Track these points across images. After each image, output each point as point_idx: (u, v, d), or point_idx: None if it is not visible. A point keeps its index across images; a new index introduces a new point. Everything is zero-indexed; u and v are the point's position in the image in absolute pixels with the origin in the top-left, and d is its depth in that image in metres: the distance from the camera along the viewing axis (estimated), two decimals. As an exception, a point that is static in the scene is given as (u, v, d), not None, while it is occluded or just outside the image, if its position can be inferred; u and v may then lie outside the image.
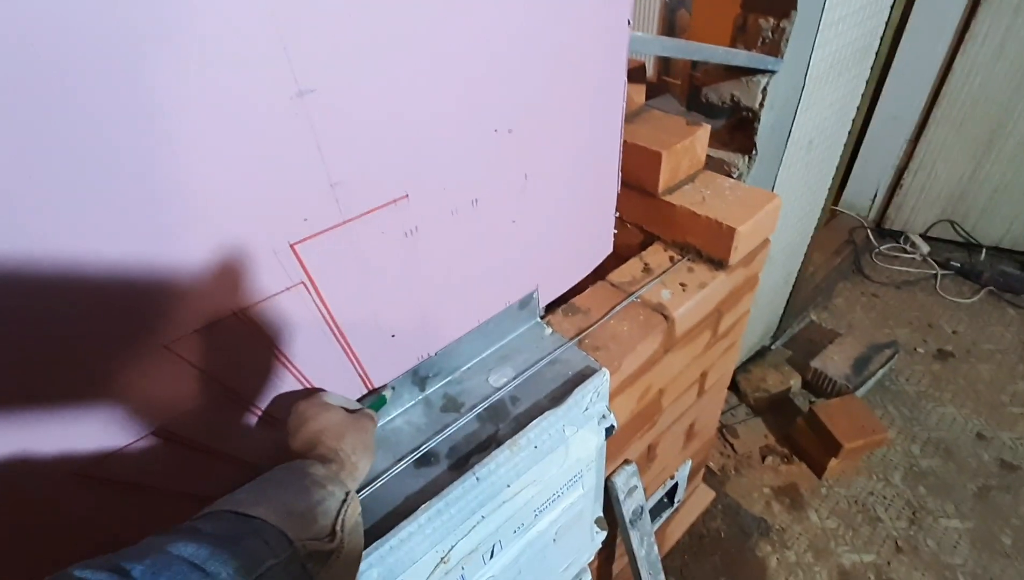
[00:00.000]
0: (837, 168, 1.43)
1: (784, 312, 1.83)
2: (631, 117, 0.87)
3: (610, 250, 0.79)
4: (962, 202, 2.10)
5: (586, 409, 0.64)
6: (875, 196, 2.26)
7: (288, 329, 0.48)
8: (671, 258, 0.83)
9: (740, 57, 0.84)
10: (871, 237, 2.28)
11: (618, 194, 0.74)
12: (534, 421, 0.58)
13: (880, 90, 1.99)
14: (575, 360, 0.67)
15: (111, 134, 0.33)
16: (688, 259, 0.83)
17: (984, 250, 2.14)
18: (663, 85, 1.84)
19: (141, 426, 0.43)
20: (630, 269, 0.82)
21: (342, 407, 0.52)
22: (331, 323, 0.50)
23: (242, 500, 0.38)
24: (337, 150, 0.43)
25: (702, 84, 1.02)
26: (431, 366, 0.64)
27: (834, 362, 1.73)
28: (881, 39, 1.21)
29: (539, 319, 0.74)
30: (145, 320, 0.39)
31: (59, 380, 0.38)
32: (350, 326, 0.53)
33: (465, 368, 0.68)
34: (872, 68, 1.25)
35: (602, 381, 0.64)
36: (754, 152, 1.02)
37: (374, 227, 0.48)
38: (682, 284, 0.78)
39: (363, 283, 0.51)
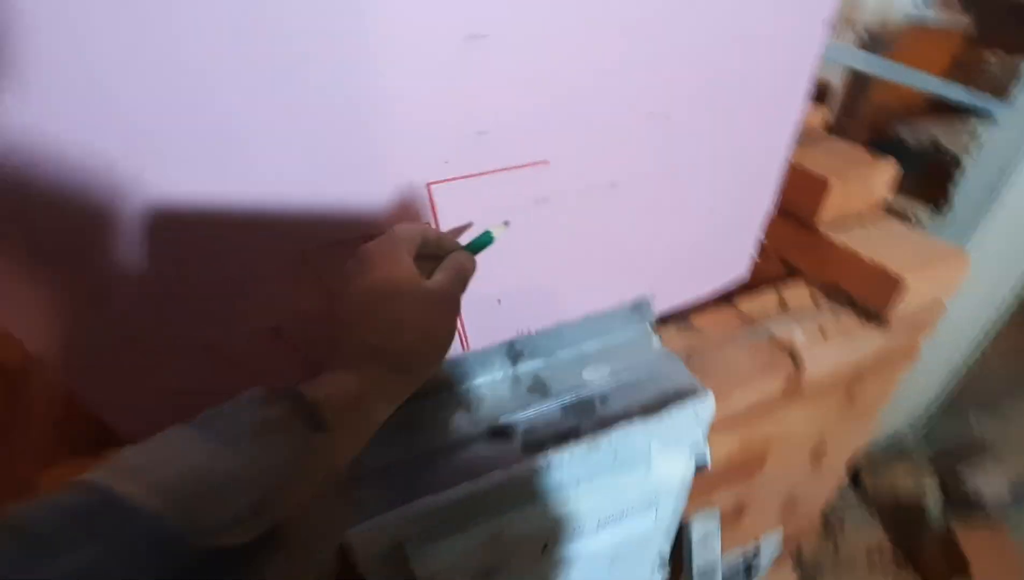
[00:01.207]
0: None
1: (939, 403, 1.55)
2: (801, 139, 0.79)
3: (745, 277, 0.72)
4: None
5: (680, 431, 0.58)
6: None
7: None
8: (814, 299, 0.74)
9: (957, 92, 0.72)
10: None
11: (769, 217, 0.67)
12: (620, 425, 0.55)
13: None
14: (679, 377, 0.61)
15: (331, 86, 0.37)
16: (834, 305, 0.73)
17: None
18: (841, 125, 1.66)
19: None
20: (763, 301, 0.74)
21: (414, 254, 0.37)
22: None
23: (125, 464, 0.25)
24: (491, 99, 0.43)
25: (894, 120, 0.89)
26: (529, 344, 0.63)
27: (989, 479, 1.44)
28: None
29: (649, 328, 0.69)
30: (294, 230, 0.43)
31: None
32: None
33: (561, 355, 0.66)
34: None
35: (704, 406, 0.58)
36: (945, 206, 0.87)
37: (509, 186, 0.48)
38: (822, 329, 0.68)
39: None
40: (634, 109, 0.49)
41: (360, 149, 0.41)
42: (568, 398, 0.60)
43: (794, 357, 0.65)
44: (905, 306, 0.67)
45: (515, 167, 0.48)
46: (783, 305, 0.73)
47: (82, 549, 0.21)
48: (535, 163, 0.48)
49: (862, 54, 0.61)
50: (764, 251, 0.83)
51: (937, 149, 0.84)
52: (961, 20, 0.88)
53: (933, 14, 1.00)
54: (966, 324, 1.26)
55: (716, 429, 0.64)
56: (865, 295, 0.70)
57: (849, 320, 0.70)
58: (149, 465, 0.25)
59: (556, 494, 0.55)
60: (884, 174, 0.73)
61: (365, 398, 0.33)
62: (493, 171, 0.47)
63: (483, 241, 0.45)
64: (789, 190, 0.74)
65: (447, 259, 0.40)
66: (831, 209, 0.72)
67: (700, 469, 0.60)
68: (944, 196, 0.86)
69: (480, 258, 0.44)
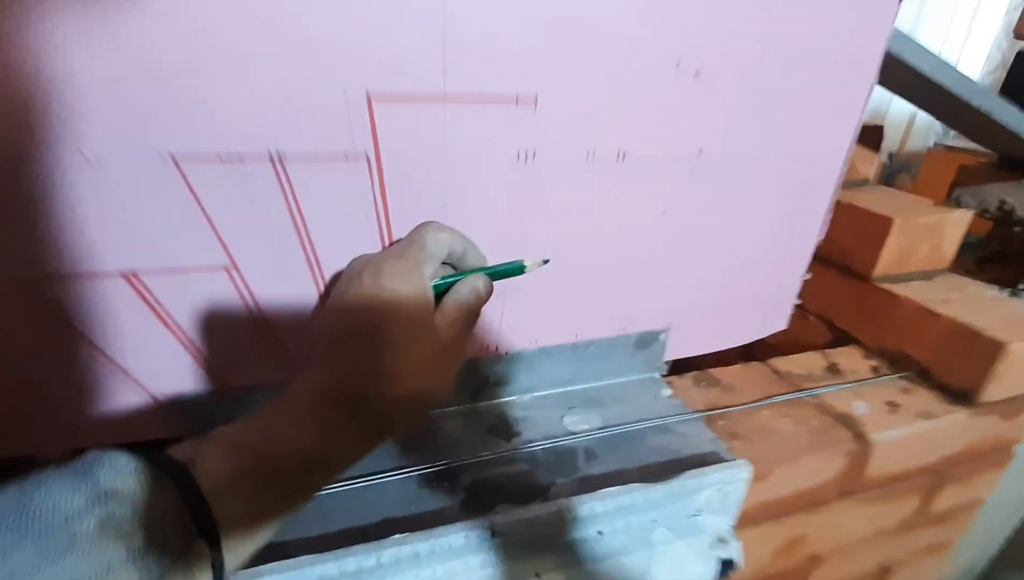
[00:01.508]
0: None
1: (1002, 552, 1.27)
2: (850, 185, 0.67)
3: (783, 325, 0.56)
4: None
5: (696, 513, 0.40)
6: None
7: (328, 205, 0.36)
8: (874, 368, 0.57)
9: None
10: None
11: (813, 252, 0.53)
12: (610, 490, 0.37)
13: None
14: (698, 438, 0.44)
15: None
16: (903, 377, 0.56)
17: None
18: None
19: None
20: (807, 361, 0.57)
21: (435, 267, 0.31)
22: (383, 226, 0.38)
23: None
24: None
25: (954, 185, 0.78)
26: (497, 369, 0.47)
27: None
28: None
29: (658, 375, 0.53)
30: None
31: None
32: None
33: (539, 394, 0.49)
34: None
35: (735, 479, 0.40)
36: (1021, 288, 0.72)
37: (480, 125, 0.36)
38: (890, 403, 0.51)
39: (441, 197, 0.38)
40: (656, 52, 0.38)
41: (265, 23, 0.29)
42: (540, 446, 0.43)
43: (855, 432, 0.47)
44: (1005, 383, 0.50)
45: (491, 100, 0.35)
46: (834, 370, 0.56)
47: None
48: (518, 98, 0.36)
49: (931, 55, 0.51)
50: (802, 314, 0.69)
51: (1008, 216, 0.71)
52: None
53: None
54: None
55: (746, 522, 0.45)
56: (945, 367, 0.53)
57: (925, 397, 0.53)
58: None
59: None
60: (958, 223, 0.59)
61: (310, 473, 0.25)
62: (460, 98, 0.35)
63: (510, 270, 0.36)
64: (839, 234, 0.61)
65: (465, 282, 0.32)
66: (891, 257, 0.58)
67: (727, 570, 0.40)
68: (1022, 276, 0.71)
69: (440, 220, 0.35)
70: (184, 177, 0.32)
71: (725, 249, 0.48)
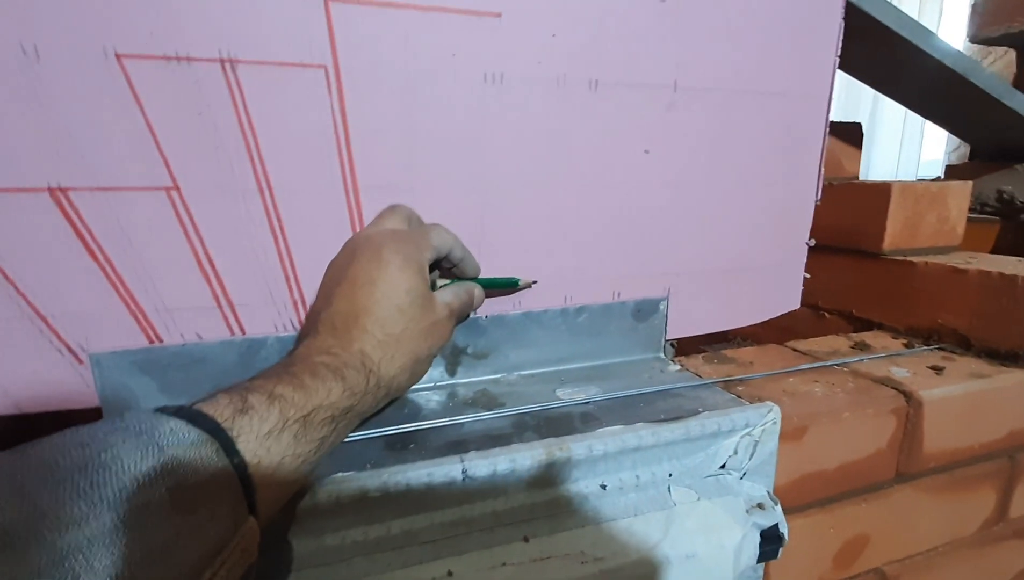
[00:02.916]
0: None
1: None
2: (840, 181, 0.66)
3: (795, 304, 0.51)
4: None
5: (722, 470, 0.32)
6: None
7: (282, 119, 0.33)
8: (905, 344, 0.51)
9: None
10: None
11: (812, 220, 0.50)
12: (612, 429, 0.30)
13: None
14: (715, 400, 0.37)
15: None
16: (940, 348, 0.49)
17: None
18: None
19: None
20: (830, 342, 0.51)
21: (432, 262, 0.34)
22: (343, 146, 0.35)
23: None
24: None
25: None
26: (478, 336, 0.41)
27: None
28: None
29: (662, 354, 0.47)
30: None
31: None
32: (368, 185, 0.36)
33: (527, 373, 0.43)
34: None
35: (763, 421, 0.33)
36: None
37: (443, 38, 0.35)
38: (934, 367, 0.45)
39: (406, 119, 0.36)
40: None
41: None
42: (527, 411, 0.36)
43: (901, 390, 0.40)
44: (1056, 335, 0.44)
45: (446, 8, 0.35)
46: (861, 346, 0.50)
47: None
48: (480, 11, 0.35)
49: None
50: (818, 311, 0.63)
51: (1010, 204, 0.69)
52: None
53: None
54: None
55: (791, 504, 0.36)
56: (985, 328, 0.47)
57: (971, 361, 0.46)
58: (17, 526, 0.16)
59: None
60: (959, 195, 0.57)
61: (329, 425, 0.26)
62: (423, 6, 0.34)
63: (504, 283, 0.39)
64: (841, 216, 0.58)
65: (460, 284, 0.36)
66: (898, 226, 0.54)
67: (769, 548, 0.31)
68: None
69: (408, 152, 0.36)
70: (127, 77, 0.30)
71: (718, 201, 0.45)
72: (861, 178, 0.66)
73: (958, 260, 0.52)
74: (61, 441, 0.19)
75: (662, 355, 0.46)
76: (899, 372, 0.43)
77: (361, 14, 0.33)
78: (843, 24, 0.45)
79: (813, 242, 0.50)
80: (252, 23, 0.31)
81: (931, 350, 0.49)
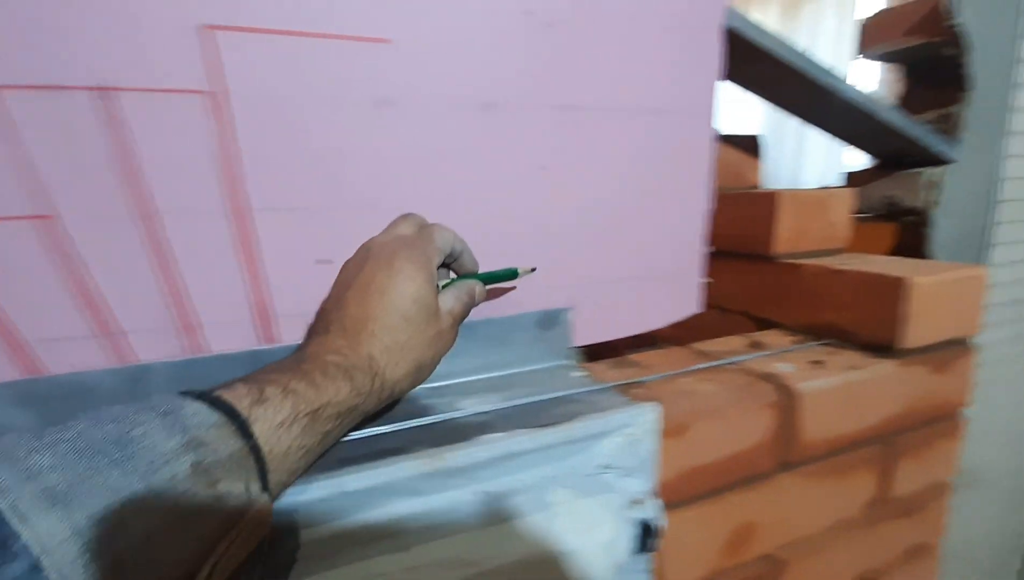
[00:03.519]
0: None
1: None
2: (734, 190, 0.70)
3: (696, 308, 0.54)
4: None
5: (603, 470, 0.34)
6: None
7: (166, 148, 0.33)
8: (796, 341, 0.54)
9: (910, 127, 0.66)
10: None
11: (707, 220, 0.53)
12: (491, 436, 0.31)
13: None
14: (607, 402, 0.39)
15: None
16: (826, 343, 0.53)
17: None
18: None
19: None
20: (729, 342, 0.55)
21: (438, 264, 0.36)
22: (234, 171, 0.35)
23: (41, 478, 0.19)
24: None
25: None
26: (378, 352, 0.42)
27: None
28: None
29: (568, 361, 0.48)
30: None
31: None
32: (263, 208, 0.36)
33: (431, 386, 0.44)
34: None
35: (639, 421, 0.35)
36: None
37: (335, 64, 0.36)
38: (815, 362, 0.48)
39: (301, 142, 0.36)
40: (510, 4, 0.40)
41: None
42: (424, 422, 0.37)
43: (779, 385, 0.43)
44: (922, 328, 0.48)
45: (340, 35, 0.36)
46: (756, 345, 0.53)
47: None
48: (372, 38, 0.37)
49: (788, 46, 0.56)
50: (724, 311, 0.67)
51: (897, 207, 0.75)
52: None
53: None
54: (1013, 447, 0.99)
55: (677, 496, 0.38)
56: (863, 324, 0.51)
57: (850, 354, 0.50)
58: (65, 488, 0.18)
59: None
60: (840, 202, 0.62)
61: (335, 421, 0.28)
62: (309, 31, 0.35)
63: (503, 276, 0.40)
64: (737, 223, 0.62)
65: (462, 284, 0.37)
66: (787, 233, 0.58)
67: (646, 540, 0.33)
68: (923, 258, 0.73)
69: (295, 175, 0.36)
70: (3, 107, 0.30)
71: (615, 214, 0.47)
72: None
73: (840, 261, 0.56)
74: (96, 416, 0.21)
75: (568, 362, 0.48)
76: (783, 368, 0.47)
77: (249, 41, 0.34)
78: (723, 47, 0.49)
79: (710, 249, 0.53)
80: (132, 51, 0.31)
81: (818, 346, 0.53)
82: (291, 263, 0.38)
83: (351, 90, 0.37)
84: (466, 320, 0.44)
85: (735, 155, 0.75)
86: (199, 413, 0.22)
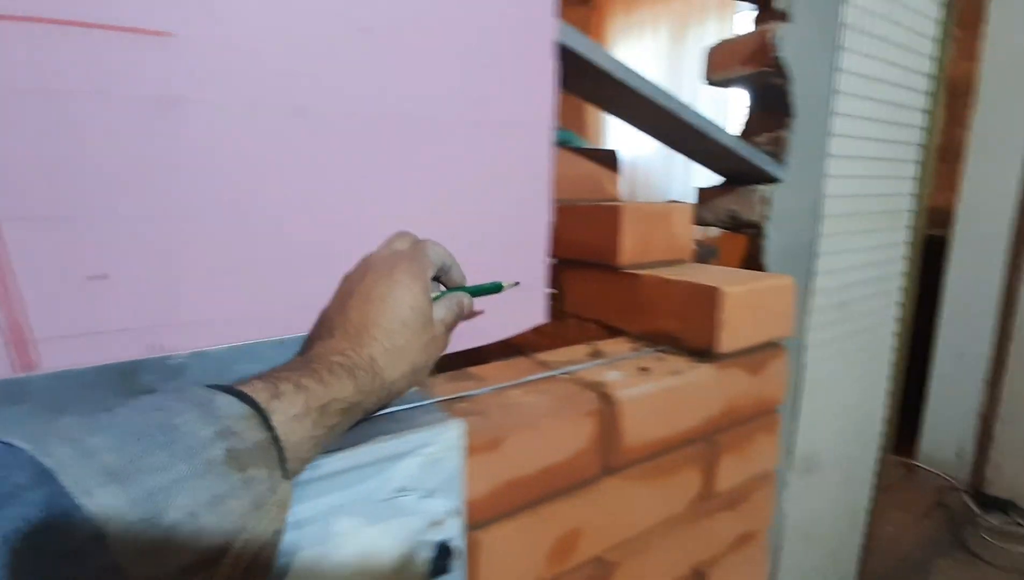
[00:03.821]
0: (893, 380, 1.14)
1: (860, 581, 1.29)
2: (587, 202, 0.73)
3: (542, 318, 0.55)
4: (1086, 470, 1.62)
5: (399, 493, 0.32)
6: (962, 450, 1.82)
7: None
8: (634, 349, 0.57)
9: (741, 148, 0.71)
10: (970, 504, 1.75)
11: (550, 237, 0.54)
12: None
13: (933, 319, 1.78)
14: (423, 419, 0.38)
15: None
16: (659, 350, 0.56)
17: None
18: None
19: None
20: (572, 352, 0.56)
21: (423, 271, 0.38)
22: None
23: (96, 455, 0.21)
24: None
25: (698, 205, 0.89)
26: (173, 376, 0.38)
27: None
28: (914, 212, 1.07)
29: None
30: None
31: None
32: (12, 217, 0.32)
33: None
34: (912, 248, 1.09)
35: (440, 439, 0.34)
36: (766, 281, 0.81)
37: (91, 54, 0.32)
38: (643, 369, 0.50)
39: (71, 142, 0.32)
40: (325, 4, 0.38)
41: None
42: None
43: (601, 393, 0.45)
44: (735, 333, 0.52)
45: (112, 26, 0.32)
46: (597, 354, 0.55)
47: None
48: (146, 30, 0.33)
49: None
50: (580, 323, 0.69)
51: (737, 221, 0.81)
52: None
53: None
54: (841, 460, 1.12)
55: (496, 511, 0.38)
56: (689, 331, 0.55)
57: (677, 360, 0.53)
58: (120, 467, 0.21)
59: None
60: (681, 217, 0.66)
61: (340, 415, 0.30)
62: (70, 20, 0.31)
63: (489, 289, 0.45)
64: (588, 234, 0.64)
65: (451, 296, 0.41)
66: (631, 245, 0.61)
67: (443, 562, 0.32)
68: (760, 267, 0.80)
69: (51, 200, 0.32)
70: None
71: (449, 226, 0.47)
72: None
73: (674, 272, 0.60)
74: (140, 405, 0.24)
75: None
76: (612, 376, 0.48)
77: (6, 30, 0.29)
78: (556, 62, 0.50)
79: (555, 261, 0.54)
80: None
81: (652, 352, 0.56)
82: (53, 279, 0.33)
83: (121, 86, 0.33)
84: (280, 339, 0.41)
85: (594, 167, 0.78)
86: (230, 405, 0.25)
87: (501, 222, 0.50)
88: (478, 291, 0.44)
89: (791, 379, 0.87)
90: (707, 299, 0.52)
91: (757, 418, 0.58)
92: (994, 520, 1.70)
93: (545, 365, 0.52)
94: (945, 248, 1.76)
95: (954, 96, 2.02)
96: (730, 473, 0.56)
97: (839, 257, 0.91)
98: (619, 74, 0.55)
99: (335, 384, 0.30)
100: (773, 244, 0.79)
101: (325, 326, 0.36)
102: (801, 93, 0.77)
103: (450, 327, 0.40)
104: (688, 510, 0.53)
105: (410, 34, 0.42)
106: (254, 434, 0.25)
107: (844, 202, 0.91)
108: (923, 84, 1.02)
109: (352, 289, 0.36)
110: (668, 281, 0.56)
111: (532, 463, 0.40)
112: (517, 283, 0.47)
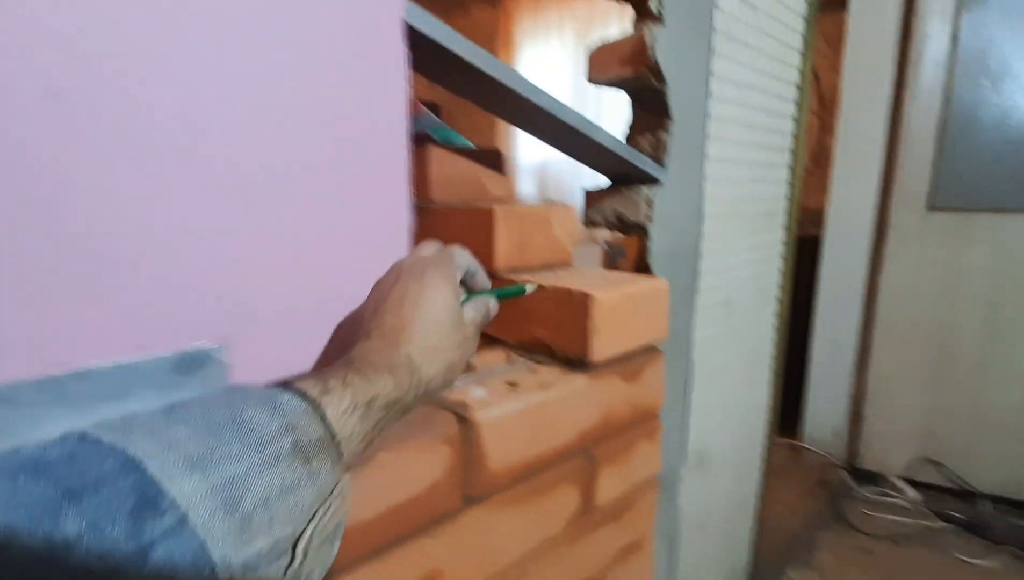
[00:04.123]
0: (774, 370, 1.21)
1: (753, 566, 1.36)
2: (471, 203, 0.69)
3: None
4: (936, 439, 1.83)
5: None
6: (837, 430, 2.00)
7: None
8: (509, 359, 0.53)
9: (619, 147, 0.70)
10: (847, 479, 1.92)
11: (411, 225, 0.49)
12: None
13: (811, 310, 1.94)
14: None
15: None
16: (534, 360, 0.53)
17: (983, 499, 1.78)
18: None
19: None
20: (440, 367, 0.51)
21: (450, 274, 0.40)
22: None
23: (177, 446, 0.22)
24: None
25: (586, 207, 0.88)
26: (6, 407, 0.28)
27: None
28: (787, 213, 1.14)
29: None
30: None
31: None
32: None
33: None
34: (786, 250, 1.16)
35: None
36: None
37: None
38: (511, 383, 0.47)
39: None
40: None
41: None
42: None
43: (459, 416, 0.40)
44: (608, 341, 0.50)
45: None
46: (468, 368, 0.51)
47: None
48: None
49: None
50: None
51: (624, 222, 0.81)
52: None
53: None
54: (733, 454, 1.17)
55: (345, 562, 0.32)
56: (562, 339, 0.52)
57: (549, 371, 0.50)
58: (200, 457, 0.22)
59: None
60: (563, 216, 0.63)
61: (383, 411, 0.31)
62: None
63: (512, 292, 0.46)
64: (465, 240, 0.59)
65: (478, 298, 0.42)
66: (507, 249, 0.58)
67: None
68: (647, 268, 0.80)
69: None
70: None
71: (293, 230, 0.40)
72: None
73: (549, 277, 0.57)
74: (207, 401, 0.26)
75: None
76: (476, 394, 0.44)
77: None
78: (407, 52, 0.45)
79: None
80: None
81: (525, 363, 0.52)
82: None
83: None
84: (54, 377, 0.33)
85: (476, 168, 0.74)
86: (292, 402, 0.26)
87: (349, 225, 0.44)
88: (503, 294, 0.45)
89: (680, 377, 0.88)
90: (578, 306, 0.49)
91: (637, 425, 0.56)
92: (868, 492, 1.88)
93: (408, 385, 0.47)
94: (819, 246, 1.92)
95: (826, 107, 2.22)
96: (611, 485, 0.54)
97: (722, 257, 0.94)
98: (481, 66, 0.51)
99: (377, 381, 0.31)
100: (657, 245, 0.79)
101: (363, 330, 0.36)
102: (677, 96, 0.78)
103: (479, 328, 0.41)
104: (567, 530, 0.50)
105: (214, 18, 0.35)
106: (315, 429, 0.26)
107: (724, 204, 0.94)
108: (791, 93, 1.08)
109: (385, 294, 0.37)
110: (542, 287, 0.53)
111: (375, 504, 0.35)
112: (539, 286, 0.48)
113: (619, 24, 3.14)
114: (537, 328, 0.54)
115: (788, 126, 1.10)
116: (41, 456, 0.20)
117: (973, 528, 1.67)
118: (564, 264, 0.64)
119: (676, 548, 0.97)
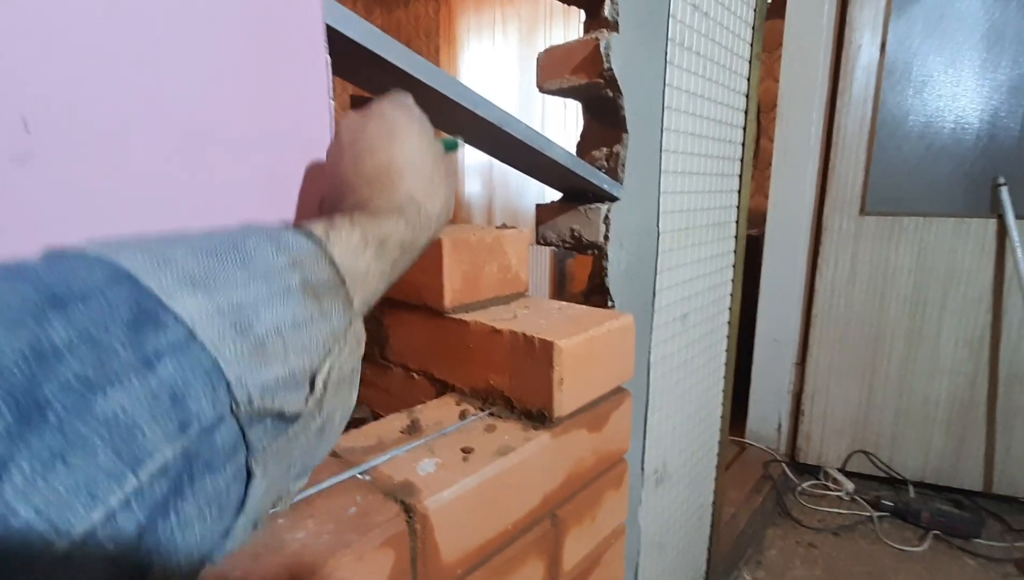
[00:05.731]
0: (727, 378, 1.21)
1: (708, 569, 1.37)
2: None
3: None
4: (868, 430, 1.93)
5: None
6: (780, 425, 2.06)
7: None
8: (462, 413, 0.47)
9: (576, 164, 0.65)
10: (788, 473, 1.99)
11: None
12: None
13: (755, 310, 1.99)
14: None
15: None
16: (490, 414, 0.47)
17: (911, 486, 1.89)
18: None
19: None
20: (382, 428, 0.44)
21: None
22: None
23: (180, 264, 0.20)
24: None
25: (537, 224, 0.82)
26: None
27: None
28: (737, 222, 1.14)
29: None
30: None
31: None
32: None
33: None
34: (736, 256, 1.16)
35: None
36: (609, 302, 0.77)
37: None
38: (465, 449, 0.40)
39: None
40: None
41: None
42: None
43: (407, 505, 0.33)
44: (573, 392, 0.45)
45: None
46: (413, 428, 0.44)
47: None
48: None
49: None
50: (407, 373, 0.57)
51: (580, 241, 0.76)
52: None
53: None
54: (689, 462, 1.16)
55: None
56: (522, 390, 0.46)
57: (509, 430, 0.44)
58: (201, 276, 0.20)
59: None
60: (515, 242, 0.57)
61: (398, 250, 0.30)
62: None
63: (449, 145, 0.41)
64: (412, 272, 0.52)
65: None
66: (458, 284, 0.51)
67: None
68: (606, 290, 0.76)
69: None
70: None
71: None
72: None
73: (504, 314, 0.51)
74: (202, 232, 0.22)
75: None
76: (426, 467, 0.38)
77: None
78: (328, 60, 0.37)
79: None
80: None
81: (482, 417, 0.46)
82: None
83: None
84: None
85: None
86: (297, 239, 0.25)
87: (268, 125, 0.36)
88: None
89: (641, 401, 0.85)
90: (540, 356, 0.43)
91: (603, 474, 0.52)
92: (807, 485, 1.95)
93: (342, 455, 0.39)
94: (760, 246, 1.97)
95: (762, 109, 2.28)
96: (578, 547, 0.49)
97: (677, 271, 0.92)
98: (409, 69, 0.44)
99: (386, 220, 0.29)
100: (615, 266, 0.75)
101: (347, 186, 0.32)
102: (634, 107, 0.74)
103: (451, 163, 0.39)
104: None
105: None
106: (323, 269, 0.25)
107: (679, 217, 0.91)
108: (740, 102, 1.07)
109: (356, 146, 0.33)
110: (497, 331, 0.47)
111: (296, 641, 0.28)
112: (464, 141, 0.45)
113: (564, 21, 3.11)
114: (493, 374, 0.48)
115: (737, 135, 1.09)
116: (15, 264, 0.17)
117: (903, 515, 1.77)
118: (519, 294, 0.59)
119: (637, 569, 0.94)
